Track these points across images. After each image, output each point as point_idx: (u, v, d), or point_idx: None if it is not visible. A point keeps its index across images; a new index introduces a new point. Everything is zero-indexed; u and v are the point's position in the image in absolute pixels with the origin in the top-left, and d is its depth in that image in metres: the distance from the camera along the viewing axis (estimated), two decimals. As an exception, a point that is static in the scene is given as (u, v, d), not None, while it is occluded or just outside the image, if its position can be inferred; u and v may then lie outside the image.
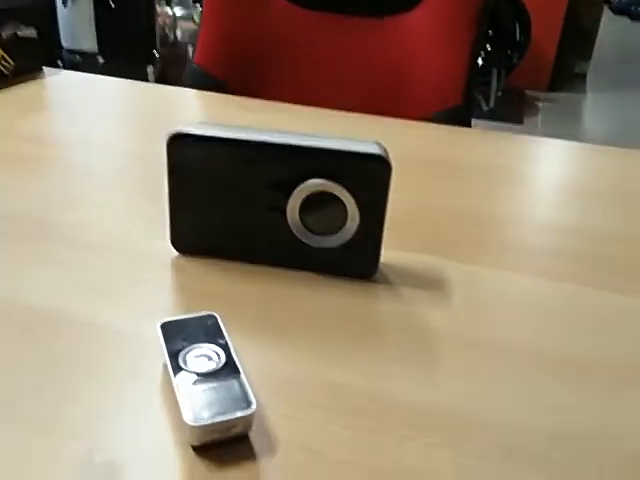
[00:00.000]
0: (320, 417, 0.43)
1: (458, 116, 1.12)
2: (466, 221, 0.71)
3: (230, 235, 0.59)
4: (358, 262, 0.58)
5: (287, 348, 0.50)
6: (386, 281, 0.59)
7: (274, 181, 0.56)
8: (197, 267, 0.59)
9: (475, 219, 0.72)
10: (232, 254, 0.60)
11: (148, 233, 0.64)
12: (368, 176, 0.55)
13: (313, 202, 0.57)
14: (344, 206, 0.56)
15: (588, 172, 0.89)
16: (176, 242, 0.60)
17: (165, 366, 0.45)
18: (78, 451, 0.40)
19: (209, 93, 1.08)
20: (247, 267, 0.59)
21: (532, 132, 3.32)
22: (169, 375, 0.42)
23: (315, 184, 0.56)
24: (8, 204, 0.68)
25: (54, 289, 0.55)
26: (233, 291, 0.56)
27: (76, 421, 0.42)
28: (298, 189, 0.56)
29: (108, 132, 0.89)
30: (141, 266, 0.59)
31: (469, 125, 1.15)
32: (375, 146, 0.56)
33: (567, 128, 3.48)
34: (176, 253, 0.61)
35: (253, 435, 0.41)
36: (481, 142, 0.96)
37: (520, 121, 3.53)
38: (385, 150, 0.56)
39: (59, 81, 1.07)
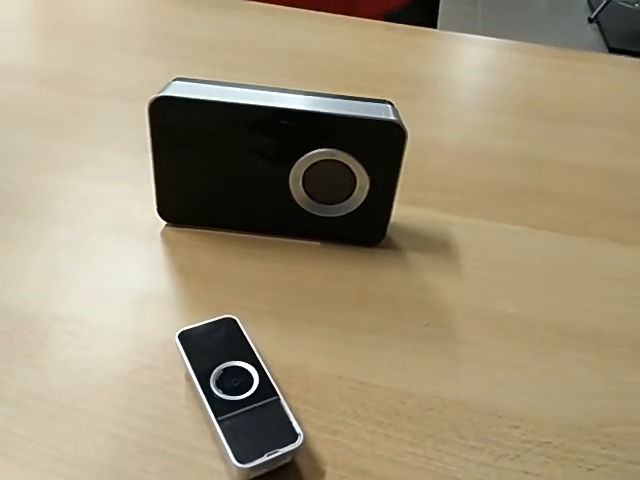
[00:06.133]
0: (358, 427, 0.42)
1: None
2: (477, 164, 0.68)
3: (224, 204, 0.54)
4: (364, 230, 0.55)
5: (303, 339, 0.47)
6: (392, 246, 0.56)
7: (275, 149, 0.51)
8: (188, 239, 0.54)
9: (489, 162, 0.69)
10: (225, 224, 0.55)
11: (133, 199, 0.58)
12: (381, 144, 0.50)
13: (318, 170, 0.52)
14: (352, 174, 0.52)
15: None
16: (163, 211, 0.55)
17: (188, 378, 0.42)
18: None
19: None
20: (243, 237, 0.55)
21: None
22: (197, 393, 0.39)
23: (321, 153, 0.51)
24: None
25: (24, 271, 0.50)
26: (230, 267, 0.52)
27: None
28: (302, 158, 0.51)
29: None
30: (125, 238, 0.54)
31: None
32: (389, 109, 0.51)
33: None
34: (164, 223, 0.55)
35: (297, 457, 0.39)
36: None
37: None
38: (398, 113, 0.51)
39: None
